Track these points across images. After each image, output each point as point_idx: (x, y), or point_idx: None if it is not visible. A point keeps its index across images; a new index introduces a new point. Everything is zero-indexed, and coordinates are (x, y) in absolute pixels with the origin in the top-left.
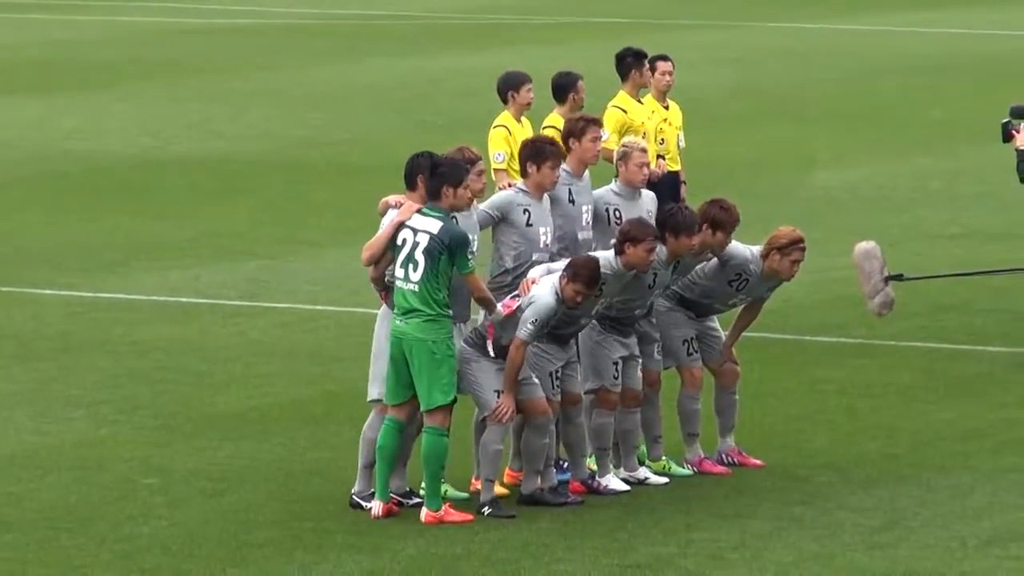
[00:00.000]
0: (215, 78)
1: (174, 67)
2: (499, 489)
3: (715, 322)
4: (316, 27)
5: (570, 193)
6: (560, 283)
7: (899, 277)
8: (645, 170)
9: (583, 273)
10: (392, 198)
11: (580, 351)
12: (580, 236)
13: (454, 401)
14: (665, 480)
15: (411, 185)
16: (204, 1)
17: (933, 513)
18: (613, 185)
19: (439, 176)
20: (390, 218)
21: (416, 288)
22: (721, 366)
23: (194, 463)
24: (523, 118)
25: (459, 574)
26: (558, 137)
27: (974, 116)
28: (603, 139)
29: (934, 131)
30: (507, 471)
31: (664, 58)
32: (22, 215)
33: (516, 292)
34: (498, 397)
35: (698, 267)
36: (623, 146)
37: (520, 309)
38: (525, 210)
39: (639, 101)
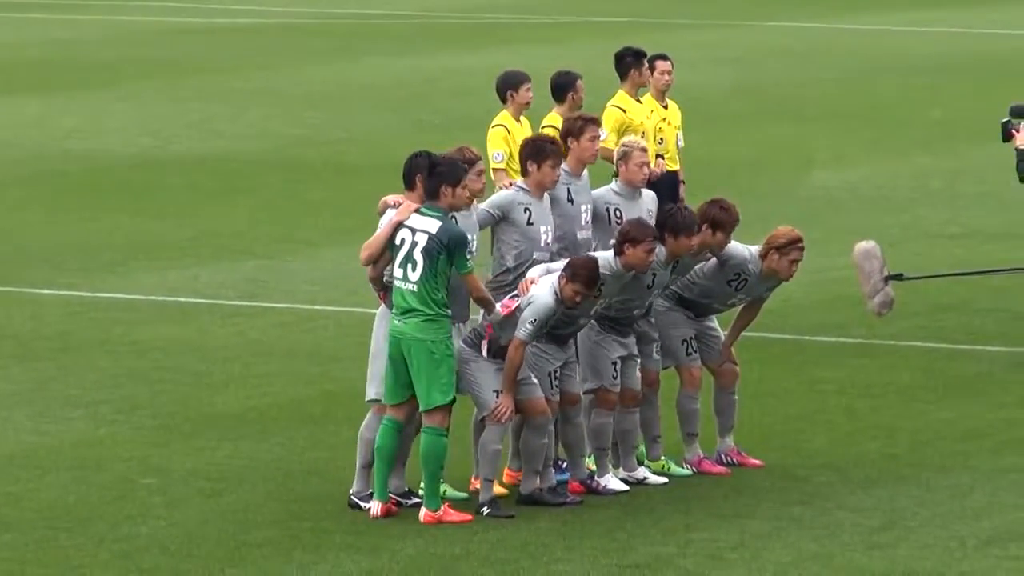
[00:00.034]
0: (214, 77)
1: (174, 66)
2: (498, 489)
3: (714, 322)
4: (313, 26)
5: (568, 192)
6: (559, 283)
7: (899, 277)
8: (645, 169)
9: (582, 273)
10: (391, 198)
11: (579, 351)
12: (579, 235)
13: (453, 401)
14: (664, 480)
15: (410, 185)
16: (203, 0)
17: (932, 513)
18: (614, 185)
19: (437, 175)
20: (388, 218)
21: (415, 288)
22: (720, 366)
23: (192, 463)
24: (522, 118)
25: (458, 574)
26: (557, 136)
27: (974, 115)
28: (601, 138)
29: (934, 131)
30: (506, 471)
31: (663, 57)
32: (21, 214)
33: (515, 292)
34: (497, 397)
35: (697, 267)
36: (623, 145)
37: (519, 309)
38: (526, 209)
39: (638, 100)
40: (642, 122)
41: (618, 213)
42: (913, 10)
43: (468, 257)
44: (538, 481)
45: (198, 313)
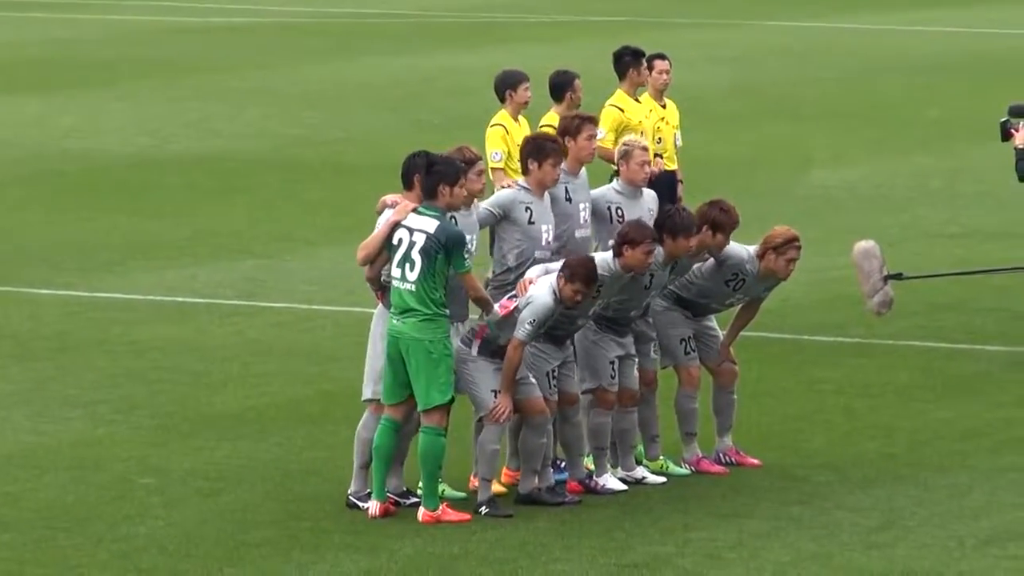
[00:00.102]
0: (212, 77)
1: (171, 66)
2: (497, 488)
3: (713, 321)
4: (310, 26)
5: (567, 191)
6: (558, 283)
7: (898, 276)
8: (647, 168)
9: (580, 272)
10: (390, 197)
11: (576, 351)
12: (578, 234)
13: (451, 400)
14: (662, 479)
15: (408, 184)
16: None
17: (931, 512)
18: (615, 184)
19: (435, 175)
20: (386, 217)
21: (413, 288)
22: (719, 365)
23: (191, 463)
24: (520, 117)
25: (456, 574)
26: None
27: (973, 115)
28: (599, 137)
29: (933, 130)
30: (505, 470)
31: (661, 57)
32: (20, 214)
33: (513, 292)
34: (495, 397)
35: (695, 267)
36: (625, 144)
37: (517, 309)
38: (527, 208)
39: (636, 100)
40: (640, 121)
41: (620, 212)
42: (912, 10)
43: (466, 257)
44: (536, 481)
45: (196, 313)
